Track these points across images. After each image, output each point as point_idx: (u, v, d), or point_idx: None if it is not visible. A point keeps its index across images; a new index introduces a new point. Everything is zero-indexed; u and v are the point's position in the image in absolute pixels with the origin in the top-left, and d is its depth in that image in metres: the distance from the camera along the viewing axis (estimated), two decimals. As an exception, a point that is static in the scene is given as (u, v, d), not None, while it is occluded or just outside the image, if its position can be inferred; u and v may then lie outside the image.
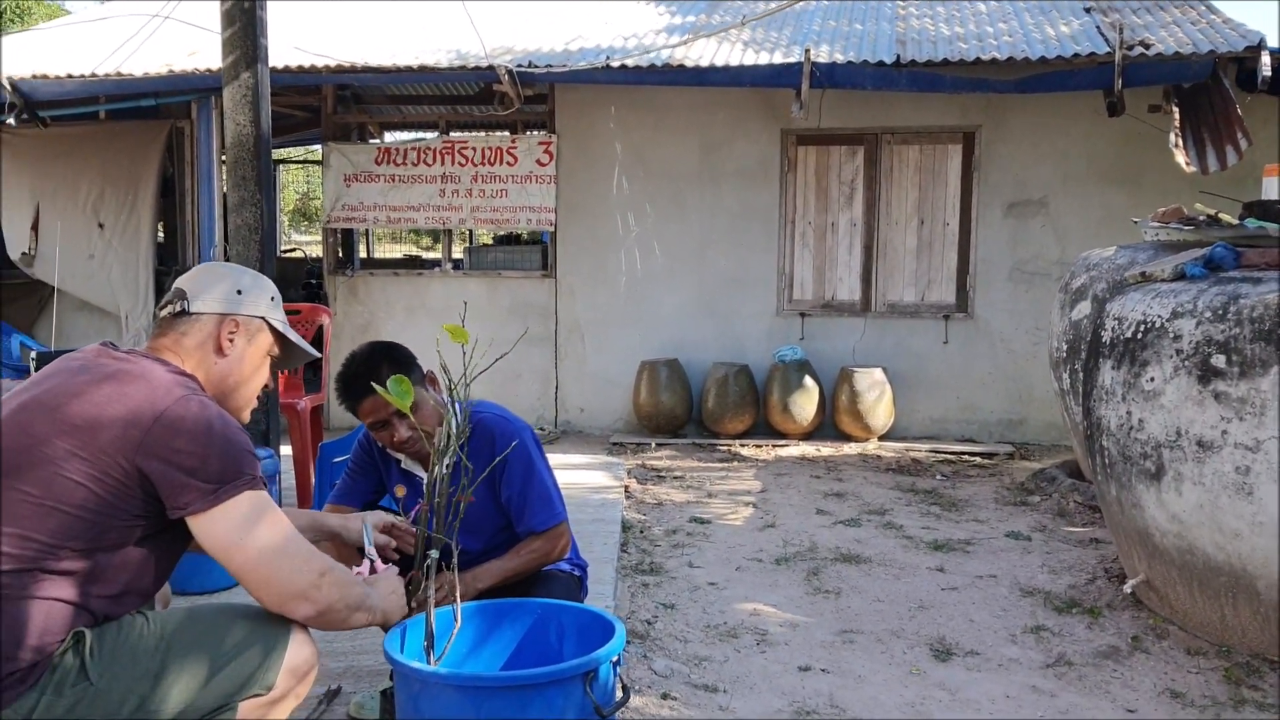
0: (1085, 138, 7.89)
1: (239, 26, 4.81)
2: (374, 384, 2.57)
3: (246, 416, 2.39)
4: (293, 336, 2.44)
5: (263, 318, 2.37)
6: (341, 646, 3.62)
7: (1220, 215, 4.79)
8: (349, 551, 2.76)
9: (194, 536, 2.07)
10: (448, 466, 2.43)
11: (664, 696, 3.47)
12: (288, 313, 2.50)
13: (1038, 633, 4.11)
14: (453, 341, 2.38)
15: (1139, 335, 3.95)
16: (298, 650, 2.18)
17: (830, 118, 7.97)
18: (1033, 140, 7.99)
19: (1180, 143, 6.97)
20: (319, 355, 2.62)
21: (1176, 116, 7.13)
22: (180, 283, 2.35)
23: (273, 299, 2.42)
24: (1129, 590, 4.27)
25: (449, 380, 2.40)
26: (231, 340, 2.31)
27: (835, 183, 8.29)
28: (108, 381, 2.07)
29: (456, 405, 2.54)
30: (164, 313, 2.32)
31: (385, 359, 2.91)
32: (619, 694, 2.24)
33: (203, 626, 2.15)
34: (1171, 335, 3.80)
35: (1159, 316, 3.90)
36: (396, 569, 2.45)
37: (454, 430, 2.43)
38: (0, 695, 1.91)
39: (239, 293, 2.34)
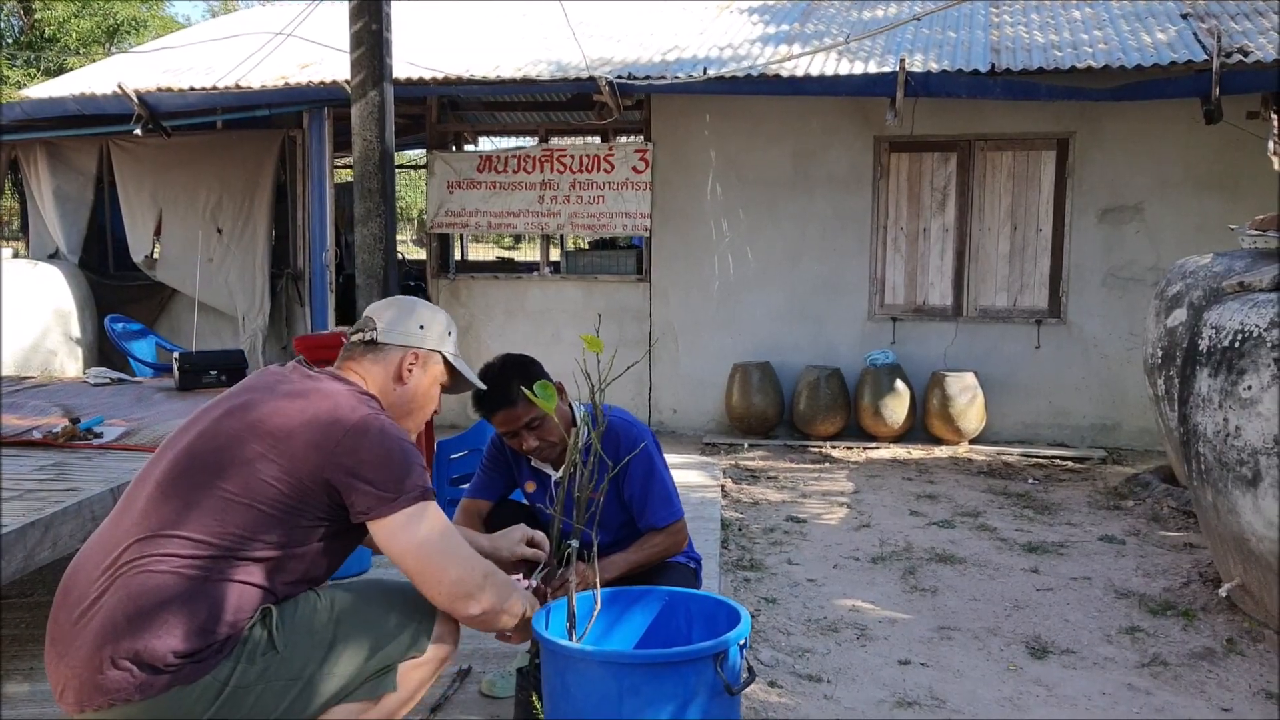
0: (1181, 144, 7.88)
1: (366, 48, 5.13)
2: (523, 388, 2.80)
3: (414, 436, 2.66)
4: (464, 370, 2.70)
5: (440, 352, 2.63)
6: (468, 629, 3.87)
7: (1320, 225, 4.83)
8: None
9: (374, 539, 2.33)
10: (582, 463, 2.66)
11: (771, 684, 3.67)
12: None
13: (1133, 633, 4.22)
14: (589, 350, 2.60)
15: (1236, 344, 4.04)
16: (444, 622, 2.48)
17: (924, 125, 8.08)
18: (1128, 146, 8.01)
19: (1279, 150, 6.95)
20: (484, 387, 2.89)
21: (1275, 123, 7.11)
22: (371, 311, 2.64)
23: (450, 334, 2.68)
24: (1224, 594, 4.35)
25: (591, 385, 2.63)
26: (411, 371, 2.57)
27: (928, 189, 8.40)
28: (300, 397, 2.34)
29: (589, 409, 2.76)
30: (355, 338, 2.60)
31: (518, 372, 3.13)
32: (745, 674, 2.44)
33: (365, 601, 2.43)
34: (1269, 344, 3.89)
35: (1256, 326, 3.99)
36: (533, 594, 2.70)
37: (590, 431, 2.66)
38: (203, 663, 2.19)
39: (421, 328, 2.61)
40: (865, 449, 8.00)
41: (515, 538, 2.97)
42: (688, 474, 6.77)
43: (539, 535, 2.96)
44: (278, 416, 2.30)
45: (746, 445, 8.15)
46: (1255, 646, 4.04)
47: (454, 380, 2.71)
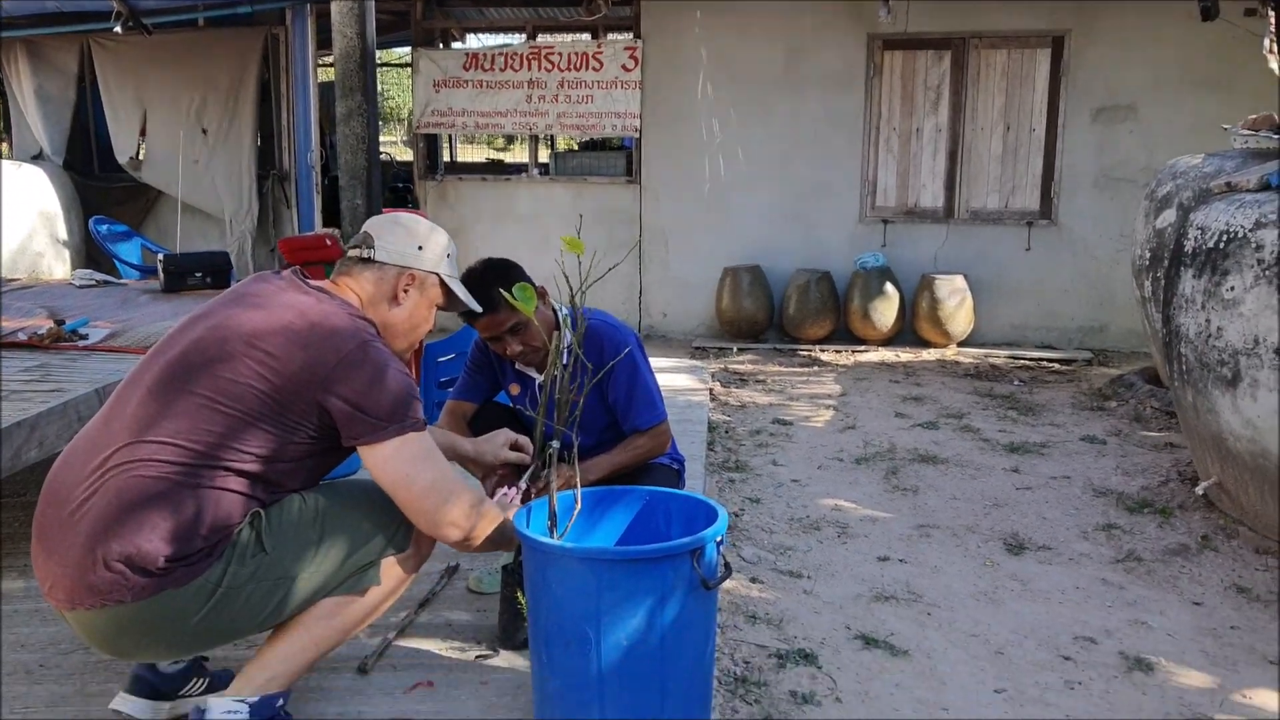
0: (1177, 42, 7.77)
1: (345, -59, 5.00)
2: (502, 291, 2.79)
3: (407, 356, 2.67)
4: (460, 293, 2.69)
5: (437, 274, 2.62)
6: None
7: (1312, 124, 4.79)
8: (478, 470, 3.12)
9: (363, 461, 2.37)
10: (565, 367, 2.67)
11: (753, 580, 3.75)
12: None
13: (1109, 530, 4.30)
14: (568, 251, 2.59)
15: (1221, 245, 4.04)
16: None
17: (917, 22, 7.94)
18: (1123, 44, 7.89)
19: (1275, 48, 6.84)
20: (480, 309, 2.87)
21: (1272, 20, 6.98)
22: (369, 227, 2.61)
23: (448, 255, 2.66)
24: (1201, 492, 4.42)
25: (570, 289, 2.63)
26: (406, 292, 2.57)
27: (921, 88, 8.29)
28: (299, 318, 2.34)
29: (570, 313, 2.76)
30: (351, 253, 2.59)
31: (499, 277, 3.08)
32: (721, 569, 2.49)
33: (350, 500, 2.49)
34: (1254, 245, 3.89)
35: (1242, 226, 3.98)
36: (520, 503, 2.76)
37: (572, 335, 2.66)
38: (194, 566, 2.23)
39: (419, 248, 2.59)
40: (854, 352, 8.04)
41: (499, 442, 3.00)
42: (676, 377, 6.80)
43: (523, 439, 3.00)
44: (273, 333, 2.30)
45: (736, 349, 8.18)
46: (1229, 543, 4.12)
47: (450, 301, 2.70)
